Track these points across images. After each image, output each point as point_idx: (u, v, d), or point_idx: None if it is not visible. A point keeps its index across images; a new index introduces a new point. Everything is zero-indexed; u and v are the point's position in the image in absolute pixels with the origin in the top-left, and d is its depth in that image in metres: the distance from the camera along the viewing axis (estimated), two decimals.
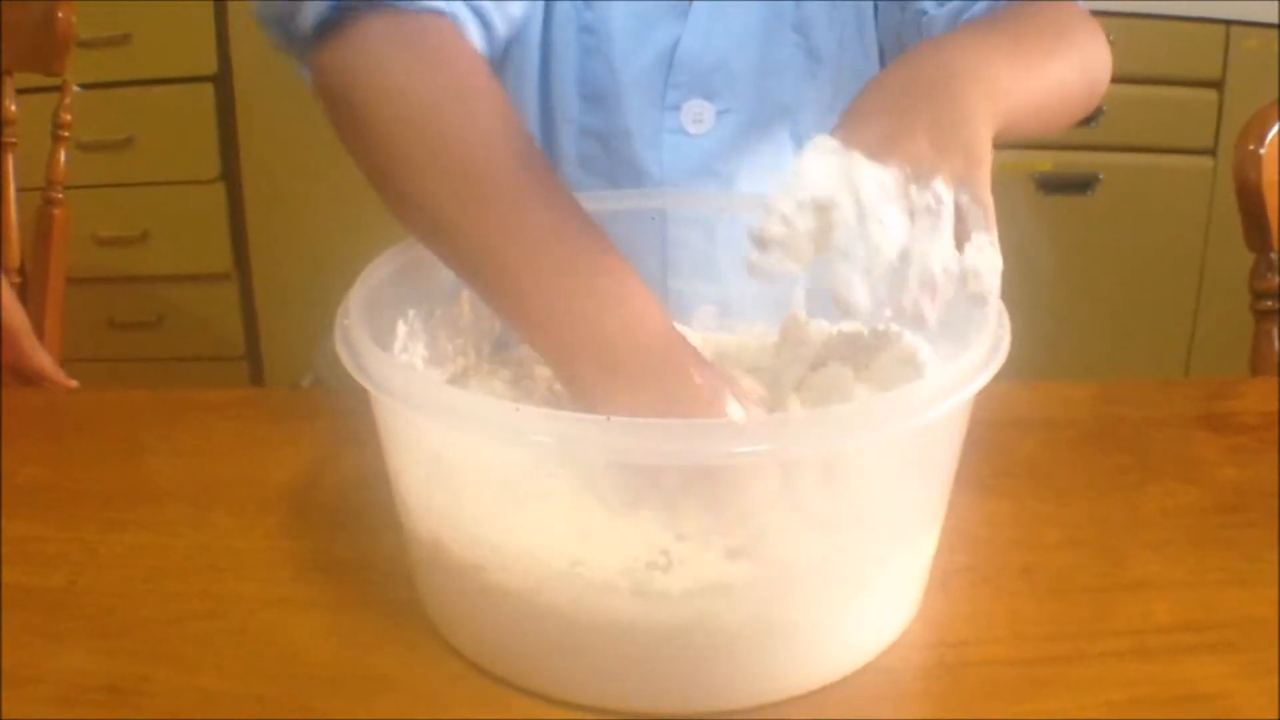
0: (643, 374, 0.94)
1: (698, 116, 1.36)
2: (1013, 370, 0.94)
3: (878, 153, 0.91)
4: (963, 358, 0.91)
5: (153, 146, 3.08)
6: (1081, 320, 3.01)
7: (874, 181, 0.89)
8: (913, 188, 0.90)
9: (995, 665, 0.96)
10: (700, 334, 1.16)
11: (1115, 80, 2.88)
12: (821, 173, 0.90)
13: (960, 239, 0.91)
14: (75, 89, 2.23)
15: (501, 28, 1.23)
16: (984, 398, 0.91)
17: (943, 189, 0.90)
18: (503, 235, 0.99)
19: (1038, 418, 1.29)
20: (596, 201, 1.21)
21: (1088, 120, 2.88)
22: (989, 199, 0.93)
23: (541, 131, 1.38)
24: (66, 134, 2.23)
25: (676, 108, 1.36)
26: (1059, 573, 1.06)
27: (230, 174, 3.13)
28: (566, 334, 0.96)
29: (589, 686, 0.91)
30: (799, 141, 1.41)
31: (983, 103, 0.98)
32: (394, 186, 1.04)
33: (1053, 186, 3.02)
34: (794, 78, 1.39)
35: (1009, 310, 0.98)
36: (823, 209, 0.89)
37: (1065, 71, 1.12)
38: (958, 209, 0.91)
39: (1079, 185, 3.02)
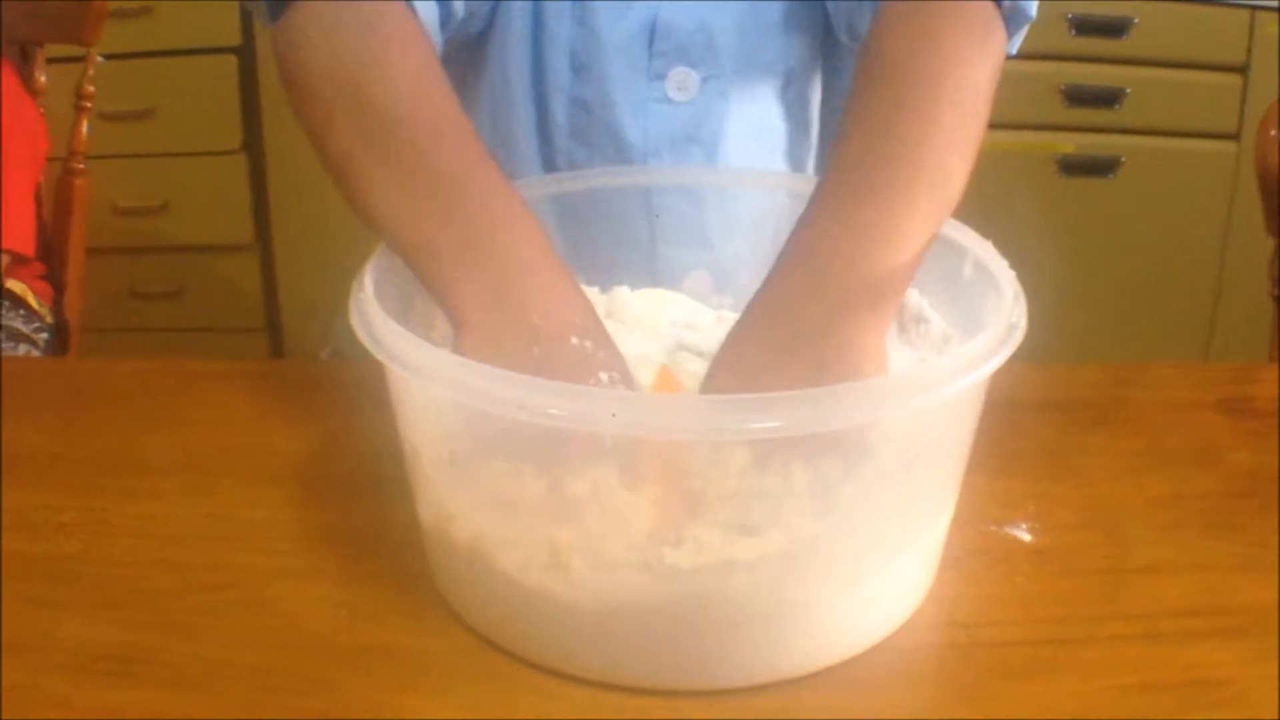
0: (524, 329, 0.97)
1: (682, 84, 1.37)
2: (1029, 353, 0.94)
3: None
4: (978, 338, 0.91)
5: (175, 117, 3.08)
6: (1101, 304, 3.00)
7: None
8: None
9: (1006, 646, 0.96)
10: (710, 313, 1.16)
11: (1139, 63, 2.89)
12: None
13: None
14: (98, 59, 2.23)
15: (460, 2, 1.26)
16: (999, 379, 0.91)
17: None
18: (406, 187, 1.02)
19: (1053, 400, 1.28)
20: (582, 180, 1.21)
21: (1111, 102, 2.88)
22: None
23: (534, 104, 1.38)
24: (89, 104, 2.23)
25: (661, 76, 1.37)
26: (1070, 555, 1.05)
27: (252, 145, 3.13)
28: (458, 276, 0.99)
29: (597, 661, 0.91)
30: (787, 105, 1.41)
31: (869, 329, 0.97)
32: (322, 148, 1.08)
33: (1074, 169, 3.01)
34: (778, 40, 1.39)
35: (1026, 293, 0.98)
36: None
37: (949, 154, 1.05)
38: None
39: (1101, 168, 3.01)
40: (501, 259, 0.99)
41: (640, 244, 1.20)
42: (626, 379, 0.99)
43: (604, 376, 0.97)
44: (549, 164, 1.39)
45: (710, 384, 0.99)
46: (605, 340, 0.99)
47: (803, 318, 0.98)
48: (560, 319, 0.98)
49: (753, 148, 1.40)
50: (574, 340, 0.97)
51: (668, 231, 1.32)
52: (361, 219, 1.05)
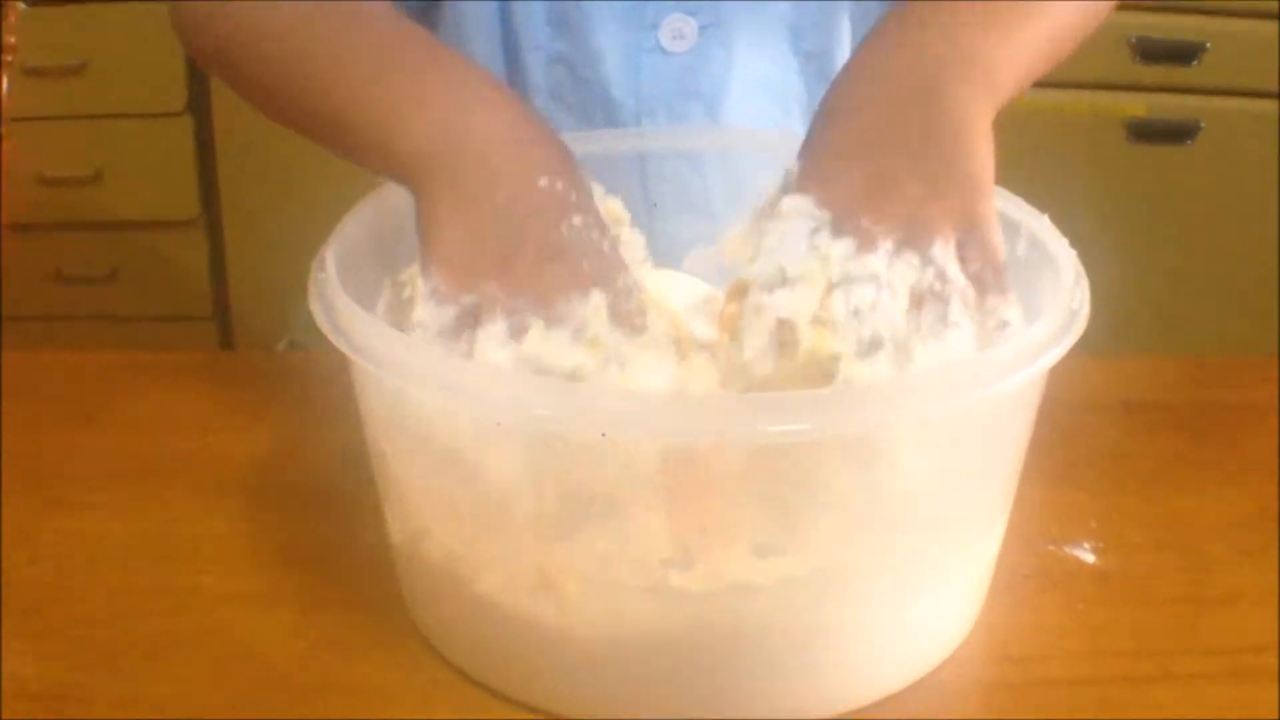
0: (499, 196, 0.96)
1: (678, 33, 1.36)
2: (1093, 345, 0.93)
3: (860, 212, 0.93)
4: (1034, 327, 0.90)
5: (110, 73, 3.07)
6: (1177, 289, 3.00)
7: (867, 283, 0.91)
8: (913, 265, 0.91)
9: (1066, 685, 0.96)
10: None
11: (1222, 15, 2.88)
12: (798, 266, 0.92)
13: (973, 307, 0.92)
14: (21, 6, 2.23)
15: None
16: (1058, 375, 0.91)
17: (948, 264, 0.91)
18: (332, 73, 1.05)
19: (1121, 400, 1.28)
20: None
21: (1188, 58, 2.87)
22: (998, 243, 0.94)
23: (505, 63, 1.38)
24: (11, 58, 2.23)
25: (655, 25, 1.36)
26: (1141, 580, 1.05)
27: (198, 106, 3.12)
28: (404, 134, 1.00)
29: (593, 698, 0.91)
30: (804, 58, 1.41)
31: (976, 104, 0.98)
32: (250, 95, 1.16)
33: (1146, 135, 3.01)
34: None
35: (1090, 275, 0.97)
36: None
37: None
38: (968, 274, 0.92)
39: (1176, 134, 3.00)
40: (453, 98, 1.00)
41: (635, 218, 1.19)
42: (600, 225, 0.99)
43: (577, 220, 0.96)
44: None
45: (807, 179, 0.98)
46: (576, 179, 0.99)
47: (898, 88, 0.98)
48: (524, 159, 0.98)
49: (762, 106, 1.39)
50: (543, 181, 0.97)
51: (666, 203, 1.31)
52: (314, 138, 1.08)
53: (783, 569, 0.87)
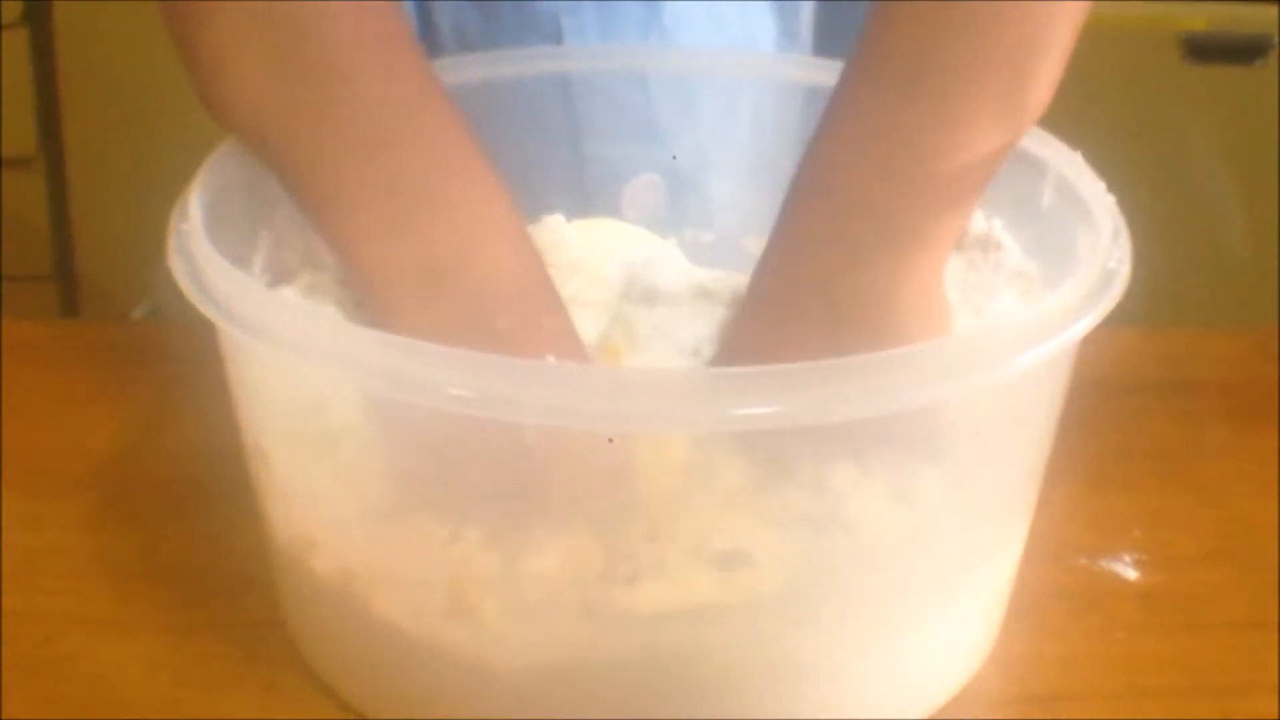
0: (474, 318, 0.96)
1: None
2: (1135, 313, 0.94)
3: None
4: (1061, 289, 0.90)
5: None
6: (1240, 243, 3.01)
7: None
8: None
9: None
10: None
11: None
12: None
13: None
14: None
15: None
16: (1092, 349, 0.91)
17: None
18: (324, 116, 0.98)
19: (1171, 380, 1.29)
20: (469, 69, 1.19)
21: None
22: None
23: None
24: None
25: None
26: (1195, 600, 1.06)
27: (36, 15, 3.12)
28: (381, 249, 0.97)
29: None
30: None
31: (894, 283, 0.97)
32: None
33: (1206, 52, 3.02)
34: None
35: (1133, 226, 0.98)
36: None
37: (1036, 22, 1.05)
38: None
39: (1243, 51, 3.01)
40: (449, 218, 0.97)
41: (556, 139, 1.17)
42: None
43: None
44: (425, 31, 1.37)
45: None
46: (585, 357, 0.99)
47: (817, 261, 0.98)
48: (536, 325, 0.97)
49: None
50: (546, 321, 0.97)
51: (595, 119, 1.29)
52: (276, 171, 1.01)
53: (750, 586, 0.87)
